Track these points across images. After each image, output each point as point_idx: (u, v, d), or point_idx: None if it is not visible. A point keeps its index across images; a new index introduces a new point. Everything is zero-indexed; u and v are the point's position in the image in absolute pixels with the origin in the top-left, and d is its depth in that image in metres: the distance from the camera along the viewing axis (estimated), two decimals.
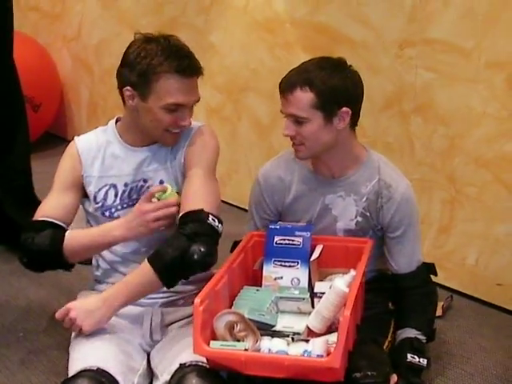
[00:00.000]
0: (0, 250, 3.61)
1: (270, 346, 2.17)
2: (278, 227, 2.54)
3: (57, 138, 5.63)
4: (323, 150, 2.46)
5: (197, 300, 2.11)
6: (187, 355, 2.20)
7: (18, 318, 2.95)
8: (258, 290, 2.43)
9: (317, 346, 2.11)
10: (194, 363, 2.16)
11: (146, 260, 2.26)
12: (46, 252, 2.37)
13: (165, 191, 2.32)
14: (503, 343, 2.91)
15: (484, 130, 3.06)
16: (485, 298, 3.21)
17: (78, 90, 5.49)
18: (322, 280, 2.46)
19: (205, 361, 2.17)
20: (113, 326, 2.36)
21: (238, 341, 2.18)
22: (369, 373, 2.23)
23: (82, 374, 2.08)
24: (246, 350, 2.13)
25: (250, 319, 2.24)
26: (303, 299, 2.36)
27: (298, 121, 2.39)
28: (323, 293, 2.29)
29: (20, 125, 3.52)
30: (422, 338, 2.47)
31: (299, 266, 2.46)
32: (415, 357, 2.40)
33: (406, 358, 2.40)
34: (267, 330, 2.28)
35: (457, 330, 3.00)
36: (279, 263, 2.48)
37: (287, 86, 2.40)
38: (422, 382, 2.43)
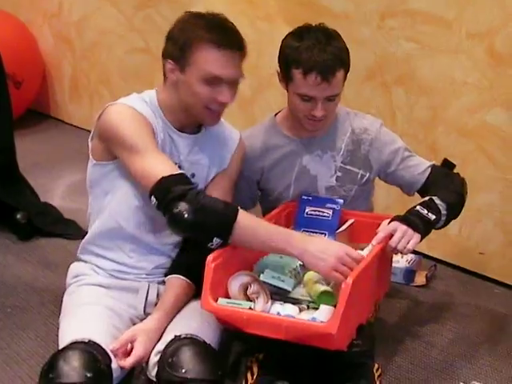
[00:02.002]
0: None
1: (280, 310, 2.19)
2: (310, 198, 2.58)
3: (39, 115, 5.60)
4: None
5: (209, 257, 2.16)
6: (183, 327, 2.23)
7: (5, 294, 2.95)
8: (281, 257, 2.42)
9: (323, 313, 2.13)
10: (189, 336, 2.19)
11: (178, 276, 2.36)
12: (219, 215, 2.15)
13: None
14: (486, 311, 2.95)
15: (465, 100, 3.08)
16: (467, 266, 3.25)
17: (60, 67, 5.45)
18: None
19: (200, 335, 2.20)
20: (104, 297, 2.37)
21: (250, 302, 2.21)
22: (354, 341, 2.26)
23: (73, 346, 2.08)
24: (250, 308, 2.16)
25: (265, 282, 2.27)
26: None
27: (330, 99, 2.41)
28: None
29: (2, 102, 3.50)
30: (441, 206, 2.42)
31: (326, 237, 2.49)
32: (424, 210, 2.38)
33: (414, 207, 2.40)
34: (283, 295, 2.29)
35: (440, 298, 3.05)
36: (308, 233, 2.48)
37: (329, 70, 2.35)
38: (420, 224, 2.36)
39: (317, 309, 2.20)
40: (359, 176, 2.60)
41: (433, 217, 2.38)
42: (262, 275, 2.30)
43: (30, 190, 3.65)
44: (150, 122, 2.32)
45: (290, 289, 2.31)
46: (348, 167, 2.59)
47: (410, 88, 3.25)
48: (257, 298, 2.23)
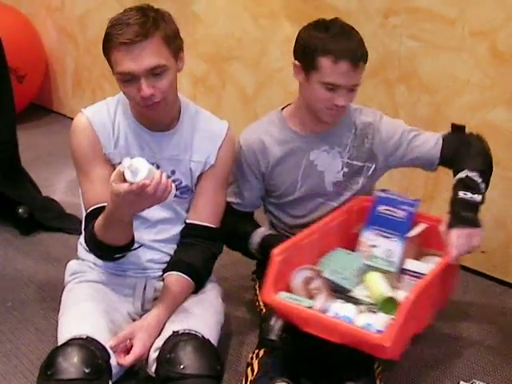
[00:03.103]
0: None
1: (339, 309, 2.21)
2: (384, 196, 2.57)
3: (42, 109, 5.61)
4: None
5: (275, 251, 2.24)
6: (181, 323, 2.24)
7: (6, 288, 2.96)
8: (348, 254, 2.48)
9: (379, 321, 2.14)
10: (187, 331, 2.19)
11: (176, 273, 2.37)
12: (95, 249, 2.31)
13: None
14: (487, 309, 2.96)
15: (468, 99, 3.08)
16: (469, 264, 3.24)
17: (62, 61, 5.46)
18: (417, 259, 2.50)
19: (198, 330, 2.21)
20: (102, 293, 2.38)
21: (311, 297, 2.26)
22: None
23: (71, 342, 2.09)
24: (309, 307, 2.19)
25: (328, 279, 2.31)
26: (390, 272, 2.41)
27: (353, 89, 2.41)
28: (412, 271, 2.37)
29: (5, 96, 3.50)
30: (476, 177, 2.39)
31: (396, 238, 2.48)
32: (467, 193, 2.34)
33: (457, 195, 2.36)
34: (343, 293, 2.33)
35: None
36: (378, 232, 2.51)
37: (357, 58, 2.37)
38: (475, 217, 2.32)
39: (375, 312, 2.23)
40: (365, 168, 2.61)
41: (478, 198, 2.35)
42: (325, 271, 2.34)
43: (31, 184, 3.65)
44: (99, 137, 2.34)
45: (351, 288, 2.35)
46: (354, 162, 2.60)
47: (413, 86, 3.25)
48: (318, 293, 2.27)
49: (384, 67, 3.34)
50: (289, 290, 2.29)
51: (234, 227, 2.63)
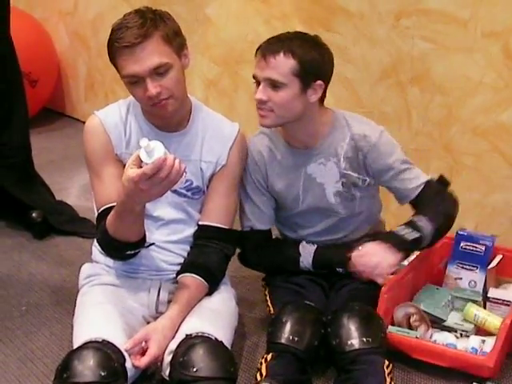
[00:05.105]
0: (1, 225, 3.62)
1: (441, 337, 2.52)
2: (465, 233, 2.84)
3: (55, 114, 5.63)
4: (289, 121, 2.44)
5: (383, 289, 2.47)
6: (194, 326, 2.24)
7: (20, 292, 2.97)
8: (437, 289, 2.79)
9: (482, 344, 2.46)
10: (200, 334, 2.19)
11: (190, 274, 2.38)
12: (107, 247, 2.33)
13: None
14: None
15: (481, 100, 3.07)
16: None
17: (75, 65, 5.47)
18: (497, 287, 2.77)
19: (211, 333, 2.21)
20: (117, 296, 2.39)
21: (413, 329, 2.53)
22: (364, 339, 2.26)
23: (87, 345, 2.10)
24: (416, 337, 2.48)
25: (425, 311, 2.59)
26: (475, 302, 2.67)
27: (275, 85, 2.35)
28: (495, 298, 2.65)
29: (18, 100, 3.52)
30: (428, 230, 2.49)
31: (478, 270, 2.79)
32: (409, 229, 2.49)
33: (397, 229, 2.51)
34: (438, 323, 2.63)
35: None
36: (461, 265, 2.82)
37: (270, 50, 2.36)
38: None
39: (468, 336, 2.55)
40: (360, 181, 2.58)
41: (416, 234, 2.48)
42: (422, 304, 2.63)
43: (45, 188, 3.66)
44: (111, 138, 2.37)
45: (444, 318, 2.64)
46: (349, 173, 2.55)
47: (425, 87, 3.24)
48: (418, 326, 2.55)
49: (396, 69, 3.34)
50: (392, 322, 2.56)
51: (276, 258, 2.65)
